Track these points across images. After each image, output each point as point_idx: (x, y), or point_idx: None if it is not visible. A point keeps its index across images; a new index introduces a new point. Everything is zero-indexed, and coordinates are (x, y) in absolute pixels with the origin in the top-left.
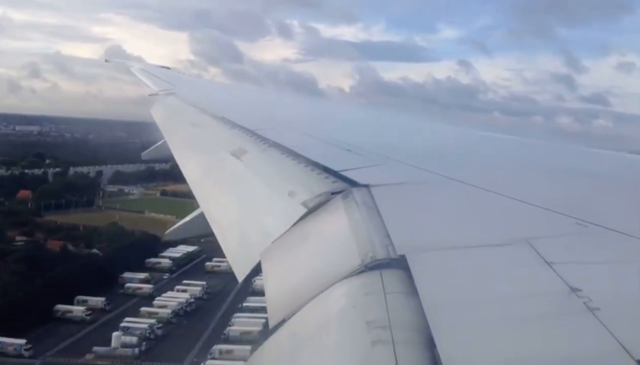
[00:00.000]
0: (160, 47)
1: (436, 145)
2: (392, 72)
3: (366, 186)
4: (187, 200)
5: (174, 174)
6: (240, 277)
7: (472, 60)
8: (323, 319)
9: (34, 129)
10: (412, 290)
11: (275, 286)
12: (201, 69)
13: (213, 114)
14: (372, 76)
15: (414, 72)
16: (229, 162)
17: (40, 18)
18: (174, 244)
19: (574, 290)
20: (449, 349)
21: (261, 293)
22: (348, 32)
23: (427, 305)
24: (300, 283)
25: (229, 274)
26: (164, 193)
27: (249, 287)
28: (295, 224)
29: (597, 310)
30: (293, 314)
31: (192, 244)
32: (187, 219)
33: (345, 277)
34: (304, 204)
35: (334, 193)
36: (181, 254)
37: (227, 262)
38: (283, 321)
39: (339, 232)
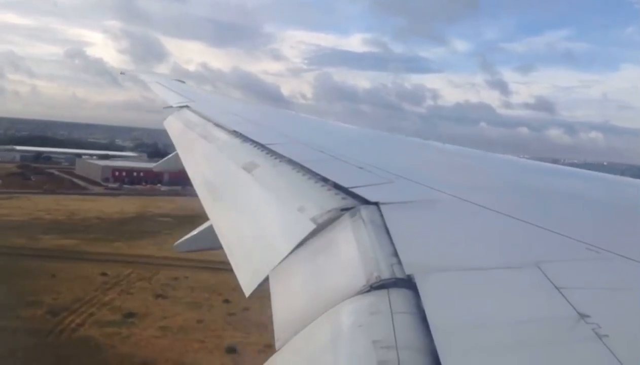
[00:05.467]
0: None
1: (448, 165)
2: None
3: (376, 204)
4: None
5: None
6: (248, 292)
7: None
8: (328, 338)
9: None
10: (420, 310)
11: (282, 307)
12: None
13: (225, 128)
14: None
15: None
16: (240, 175)
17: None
18: None
19: (583, 316)
20: None
21: None
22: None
23: (435, 327)
24: (307, 303)
25: None
26: None
27: None
28: (303, 241)
29: (606, 337)
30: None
31: None
32: (196, 231)
33: (352, 296)
34: (313, 219)
35: (343, 209)
36: None
37: None
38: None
39: (347, 250)
